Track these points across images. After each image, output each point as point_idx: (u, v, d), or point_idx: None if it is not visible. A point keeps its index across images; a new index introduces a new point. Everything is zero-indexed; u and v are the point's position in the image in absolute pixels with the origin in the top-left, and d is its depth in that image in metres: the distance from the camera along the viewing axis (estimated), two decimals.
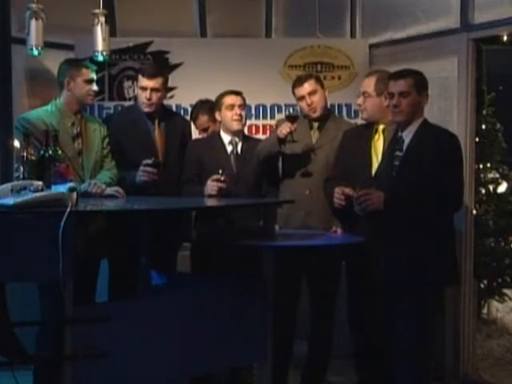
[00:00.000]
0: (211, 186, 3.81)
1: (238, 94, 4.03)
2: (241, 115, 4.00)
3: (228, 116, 4.00)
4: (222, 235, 3.74)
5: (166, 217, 3.79)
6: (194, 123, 4.42)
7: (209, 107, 4.27)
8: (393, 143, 3.57)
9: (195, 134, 4.40)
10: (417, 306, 3.38)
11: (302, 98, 3.96)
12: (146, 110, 4.00)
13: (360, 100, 3.77)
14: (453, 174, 3.44)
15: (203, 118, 4.35)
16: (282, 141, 3.79)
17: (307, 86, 3.94)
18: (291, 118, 3.80)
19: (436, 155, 3.38)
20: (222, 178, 3.79)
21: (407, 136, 3.49)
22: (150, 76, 3.98)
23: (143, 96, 3.97)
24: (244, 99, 4.06)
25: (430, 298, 3.45)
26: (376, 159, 3.70)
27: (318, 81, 4.01)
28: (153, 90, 3.95)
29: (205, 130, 4.36)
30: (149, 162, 3.87)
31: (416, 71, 3.56)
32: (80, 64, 3.83)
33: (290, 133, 3.75)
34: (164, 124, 4.07)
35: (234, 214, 3.85)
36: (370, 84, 3.73)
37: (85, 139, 3.77)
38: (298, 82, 4.02)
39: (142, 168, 3.86)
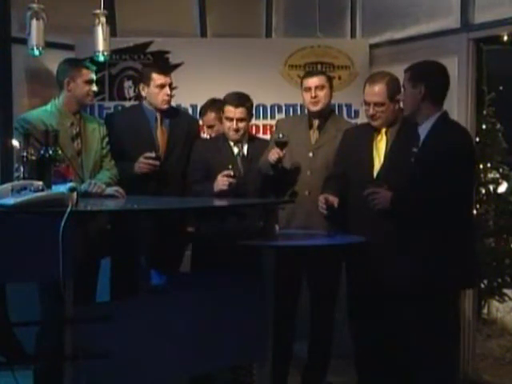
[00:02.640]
0: (222, 180, 3.83)
1: (238, 106, 3.97)
2: (237, 129, 3.98)
3: (226, 125, 4.01)
4: (222, 235, 3.74)
5: (169, 216, 3.80)
6: (202, 119, 4.50)
7: (218, 106, 4.29)
8: (409, 139, 3.52)
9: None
10: (430, 311, 3.34)
11: (308, 89, 3.97)
12: (165, 106, 4.05)
13: (371, 110, 3.70)
14: (458, 174, 3.29)
15: (210, 115, 4.41)
16: (273, 166, 3.82)
17: (316, 80, 3.98)
18: (280, 145, 3.80)
19: (445, 155, 3.28)
20: (232, 173, 3.82)
21: (422, 132, 3.41)
22: (167, 72, 4.08)
23: (163, 92, 4.01)
24: (247, 110, 4.01)
25: (442, 302, 3.37)
26: (378, 160, 3.69)
27: (329, 80, 4.04)
28: (170, 86, 4.04)
29: (210, 126, 4.41)
30: (152, 155, 3.92)
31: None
32: (80, 64, 3.82)
33: (280, 159, 3.79)
34: (169, 122, 4.09)
35: (235, 214, 3.85)
36: (380, 93, 3.68)
37: (84, 139, 3.77)
38: (309, 73, 4.12)
39: (143, 160, 3.89)
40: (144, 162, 3.91)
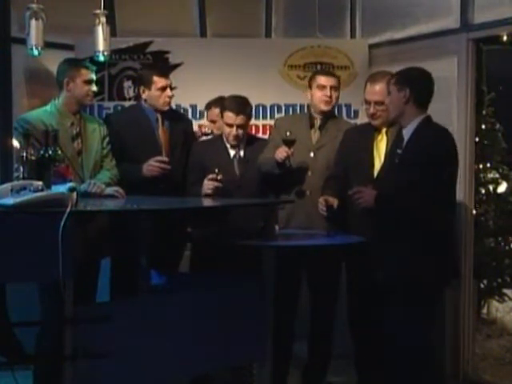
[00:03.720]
0: (207, 184, 3.83)
1: (239, 113, 3.93)
2: (237, 135, 3.95)
3: (225, 130, 3.99)
4: (222, 235, 3.74)
5: (168, 217, 3.80)
6: (206, 113, 4.58)
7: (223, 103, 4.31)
8: (395, 141, 3.56)
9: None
10: (411, 307, 3.36)
11: (322, 87, 3.96)
12: (167, 108, 4.07)
13: (371, 109, 3.73)
14: (439, 175, 3.34)
15: (214, 111, 4.44)
16: (280, 164, 3.80)
17: (333, 80, 4.00)
18: (288, 143, 3.78)
19: (427, 156, 3.32)
20: (219, 177, 3.81)
21: (406, 134, 3.46)
22: (167, 75, 4.09)
23: (165, 95, 4.02)
24: (247, 116, 3.98)
25: (425, 298, 3.40)
26: (378, 160, 3.70)
27: (339, 83, 4.06)
28: (170, 87, 4.05)
29: (213, 121, 4.46)
30: (165, 159, 3.94)
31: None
32: (79, 64, 3.82)
33: (288, 157, 3.77)
34: (168, 122, 4.10)
35: (235, 214, 3.85)
36: (381, 92, 3.67)
37: (84, 139, 3.77)
38: (324, 72, 4.19)
39: (154, 163, 3.89)
40: (155, 166, 3.91)
